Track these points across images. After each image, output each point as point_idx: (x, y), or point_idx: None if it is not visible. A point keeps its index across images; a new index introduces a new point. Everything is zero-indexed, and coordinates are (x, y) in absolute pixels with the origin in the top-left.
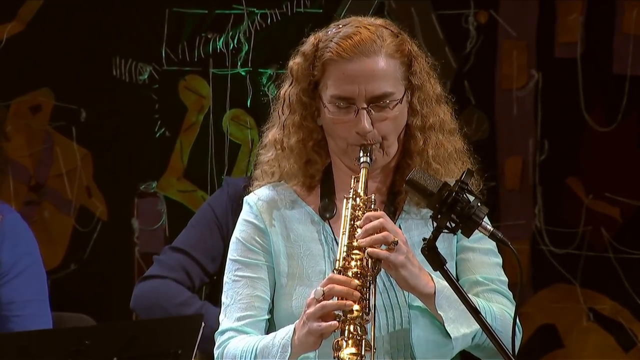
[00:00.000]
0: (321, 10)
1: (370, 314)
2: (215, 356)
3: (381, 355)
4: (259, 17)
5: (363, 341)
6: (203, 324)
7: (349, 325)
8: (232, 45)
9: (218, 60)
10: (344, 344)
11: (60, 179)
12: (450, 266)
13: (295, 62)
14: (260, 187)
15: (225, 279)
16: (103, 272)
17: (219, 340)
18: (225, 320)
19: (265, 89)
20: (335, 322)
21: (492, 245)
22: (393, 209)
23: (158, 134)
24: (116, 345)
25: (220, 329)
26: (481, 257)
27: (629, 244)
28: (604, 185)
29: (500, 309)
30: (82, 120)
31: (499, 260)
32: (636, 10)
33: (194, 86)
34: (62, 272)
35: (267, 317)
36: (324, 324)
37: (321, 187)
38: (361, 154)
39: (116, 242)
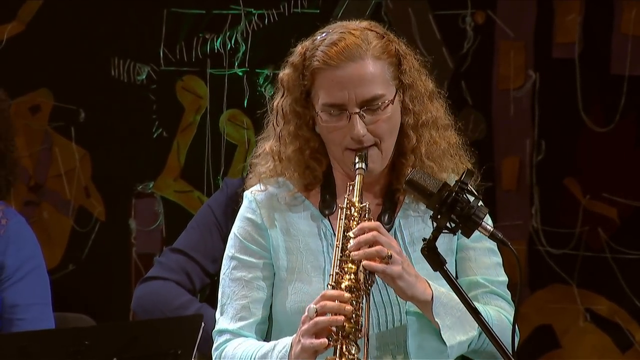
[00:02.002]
0: (318, 11)
1: (363, 329)
2: (213, 357)
3: (376, 351)
4: (256, 17)
5: (355, 358)
6: (203, 324)
7: (342, 344)
8: (229, 46)
9: (215, 60)
10: None
11: (59, 179)
12: (450, 262)
13: (285, 73)
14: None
15: (221, 274)
16: (101, 272)
17: (217, 341)
18: (222, 320)
19: (262, 89)
20: (325, 340)
21: (492, 244)
22: (392, 206)
23: (155, 134)
24: (116, 345)
25: (218, 328)
26: (481, 256)
27: (626, 244)
28: (602, 185)
29: (497, 312)
30: (80, 121)
31: (499, 259)
32: (635, 11)
33: (191, 86)
34: (60, 273)
35: (263, 317)
36: (316, 341)
37: (322, 185)
38: (356, 160)
39: (114, 243)
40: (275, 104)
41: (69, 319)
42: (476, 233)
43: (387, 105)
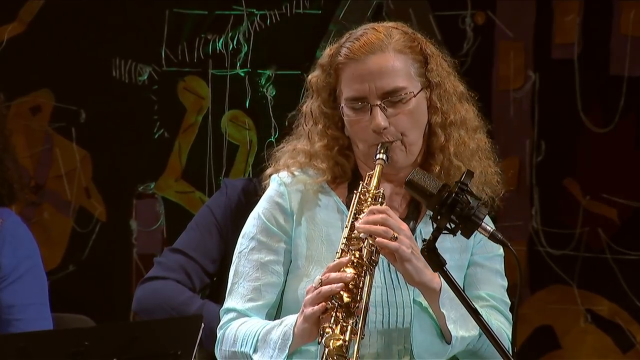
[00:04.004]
0: (320, 12)
1: (362, 303)
2: (218, 336)
3: (381, 350)
4: (258, 18)
5: (349, 327)
6: (203, 324)
7: (338, 312)
8: (231, 46)
9: (217, 61)
10: (330, 330)
11: (60, 180)
12: (459, 277)
13: (313, 75)
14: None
15: (237, 251)
16: (102, 273)
17: (223, 319)
18: (231, 298)
19: (264, 90)
20: (324, 303)
21: (500, 267)
22: (416, 214)
23: (157, 135)
24: (116, 346)
25: (225, 306)
26: (488, 275)
27: (626, 244)
28: (601, 186)
29: (498, 325)
30: (81, 121)
31: (505, 283)
32: (633, 12)
33: (193, 87)
34: (61, 273)
35: (273, 302)
36: (315, 307)
37: (349, 184)
38: (377, 151)
39: (115, 243)
40: (304, 107)
41: (68, 320)
42: (488, 253)
43: (410, 98)
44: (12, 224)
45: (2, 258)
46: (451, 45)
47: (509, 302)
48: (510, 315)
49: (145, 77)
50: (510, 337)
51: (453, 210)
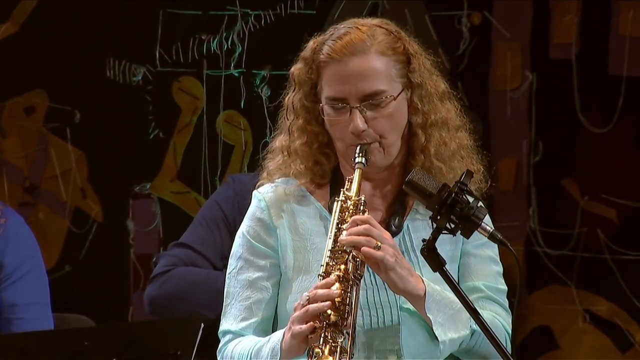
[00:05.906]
0: (315, 12)
1: (350, 318)
2: (218, 358)
3: (369, 351)
4: (252, 18)
5: (339, 348)
6: (202, 324)
7: (327, 332)
8: (225, 47)
9: (212, 61)
10: (320, 352)
11: (55, 180)
12: (453, 269)
13: (296, 67)
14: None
15: (227, 273)
16: (98, 273)
17: (221, 342)
18: (225, 321)
19: (259, 90)
20: (312, 323)
21: (494, 253)
22: (402, 209)
23: (152, 135)
24: (116, 346)
25: (221, 329)
26: (482, 264)
27: (625, 245)
28: (600, 186)
29: (491, 316)
30: (76, 122)
31: (500, 269)
32: (632, 12)
33: (187, 87)
34: (57, 274)
35: (266, 318)
36: (304, 326)
37: (331, 185)
38: (356, 154)
39: (111, 244)
40: (286, 99)
41: (68, 320)
42: (478, 240)
43: (390, 101)
44: (15, 223)
45: (5, 257)
46: (447, 46)
47: (505, 289)
48: (506, 303)
49: (140, 78)
50: (506, 326)
51: (453, 210)
